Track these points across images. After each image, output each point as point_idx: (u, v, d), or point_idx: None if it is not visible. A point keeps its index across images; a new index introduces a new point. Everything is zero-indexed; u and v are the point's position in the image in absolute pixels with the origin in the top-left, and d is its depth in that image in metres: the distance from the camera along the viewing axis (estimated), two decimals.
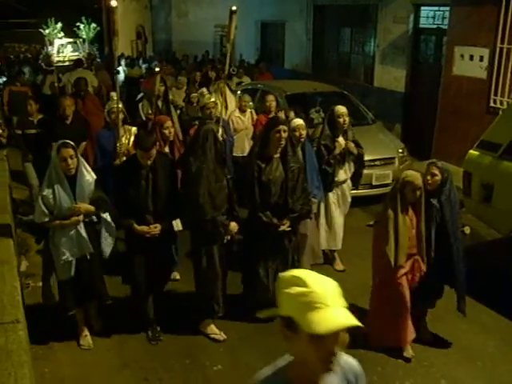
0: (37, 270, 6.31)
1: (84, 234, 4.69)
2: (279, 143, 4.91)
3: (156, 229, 4.81)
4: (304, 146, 5.79)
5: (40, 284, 6.07)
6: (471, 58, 9.71)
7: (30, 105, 7.91)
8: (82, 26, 30.80)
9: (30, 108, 7.91)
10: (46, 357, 4.81)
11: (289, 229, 5.13)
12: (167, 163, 4.98)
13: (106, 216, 4.76)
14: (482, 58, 9.52)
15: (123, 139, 6.32)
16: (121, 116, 6.23)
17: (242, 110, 8.28)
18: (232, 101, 8.97)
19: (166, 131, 6.12)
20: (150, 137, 4.82)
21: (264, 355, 4.63)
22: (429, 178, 4.72)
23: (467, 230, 7.43)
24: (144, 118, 8.09)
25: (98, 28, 31.19)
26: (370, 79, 13.40)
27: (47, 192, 4.56)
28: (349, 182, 6.49)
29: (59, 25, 30.40)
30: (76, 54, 26.02)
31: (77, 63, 13.53)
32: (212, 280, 4.97)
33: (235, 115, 8.19)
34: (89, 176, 4.66)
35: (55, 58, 21.52)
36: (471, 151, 7.04)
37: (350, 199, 6.59)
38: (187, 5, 22.45)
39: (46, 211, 4.56)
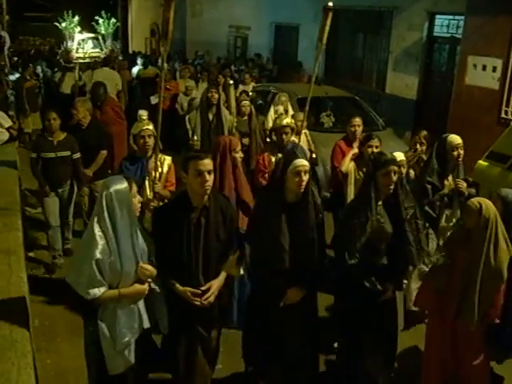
0: (44, 260, 6.41)
1: (142, 304, 3.46)
2: (388, 188, 3.87)
3: (210, 292, 3.60)
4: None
5: (46, 275, 6.18)
6: (484, 68, 9.69)
7: (51, 120, 6.10)
8: (101, 21, 30.31)
9: (52, 124, 6.12)
10: (49, 348, 4.85)
11: (391, 295, 4.04)
12: (226, 206, 3.73)
13: (157, 285, 3.54)
14: (494, 69, 9.49)
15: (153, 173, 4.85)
16: (152, 141, 4.91)
17: (296, 132, 6.51)
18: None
19: (238, 155, 4.78)
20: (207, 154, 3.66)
21: None
22: None
23: None
24: (190, 134, 6.88)
25: (118, 24, 30.71)
26: (382, 85, 13.39)
27: (104, 249, 3.17)
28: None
29: (76, 18, 29.73)
30: (97, 50, 25.20)
31: (104, 61, 12.79)
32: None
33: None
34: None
35: (75, 55, 21.01)
36: (480, 162, 7.05)
37: None
38: (202, 4, 22.50)
39: (101, 280, 3.19)
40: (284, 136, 5.68)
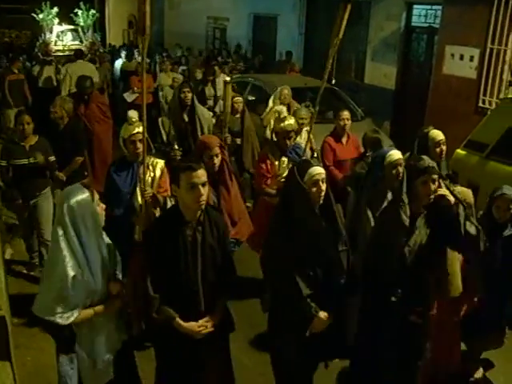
0: (22, 258, 6.31)
1: (118, 317, 3.33)
2: (428, 198, 3.47)
3: (208, 324, 3.27)
4: None
5: (24, 271, 6.11)
6: (461, 57, 9.74)
7: (24, 124, 5.52)
8: (79, 13, 29.60)
9: (26, 129, 5.54)
10: (29, 345, 4.79)
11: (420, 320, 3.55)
12: (218, 219, 3.39)
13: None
14: (472, 58, 9.55)
15: (147, 177, 4.33)
16: (142, 146, 4.14)
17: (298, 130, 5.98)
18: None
19: (211, 162, 4.42)
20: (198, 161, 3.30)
21: (250, 348, 4.77)
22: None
23: None
24: (165, 138, 6.26)
25: (98, 15, 30.05)
26: (361, 76, 13.42)
27: (75, 266, 2.94)
28: None
29: (55, 9, 28.96)
30: (76, 42, 24.33)
31: (76, 54, 11.73)
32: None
33: None
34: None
35: (53, 47, 20.44)
36: (458, 150, 7.10)
37: None
38: None
39: (76, 300, 2.99)
40: (288, 141, 5.28)
